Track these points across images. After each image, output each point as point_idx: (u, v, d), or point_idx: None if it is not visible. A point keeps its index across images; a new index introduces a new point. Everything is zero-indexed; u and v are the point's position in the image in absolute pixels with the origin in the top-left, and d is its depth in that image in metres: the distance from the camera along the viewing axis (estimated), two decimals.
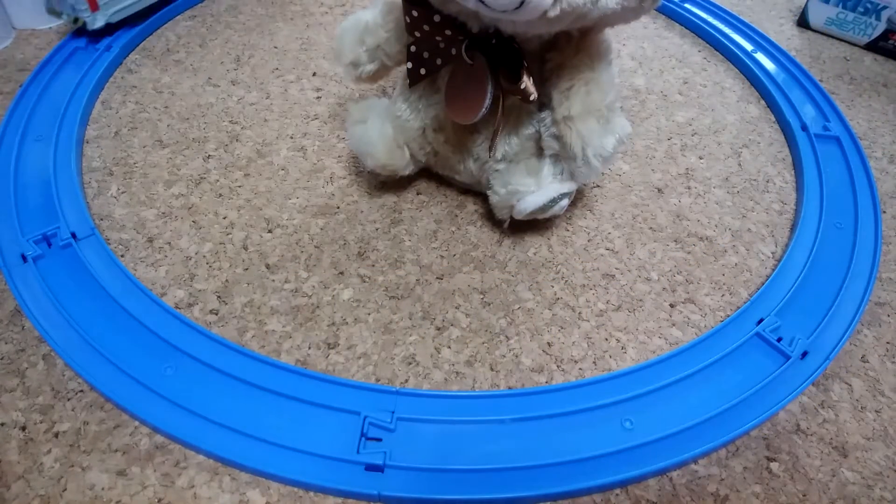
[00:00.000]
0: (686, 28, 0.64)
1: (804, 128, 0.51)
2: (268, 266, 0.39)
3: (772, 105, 0.55)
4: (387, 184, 0.44)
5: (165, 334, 0.34)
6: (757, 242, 0.43)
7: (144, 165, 0.45)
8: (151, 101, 0.50)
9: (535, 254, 0.41)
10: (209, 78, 0.53)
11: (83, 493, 0.29)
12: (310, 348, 0.35)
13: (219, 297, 0.37)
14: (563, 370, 0.35)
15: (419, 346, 0.36)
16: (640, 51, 0.61)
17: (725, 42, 0.61)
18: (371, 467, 0.30)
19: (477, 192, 0.44)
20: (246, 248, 0.40)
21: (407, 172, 0.42)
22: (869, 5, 0.61)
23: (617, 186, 0.46)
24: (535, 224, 0.42)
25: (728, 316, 0.38)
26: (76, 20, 0.52)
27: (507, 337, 0.36)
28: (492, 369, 0.35)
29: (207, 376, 0.32)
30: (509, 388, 0.34)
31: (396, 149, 0.40)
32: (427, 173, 0.45)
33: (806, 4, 0.65)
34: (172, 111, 0.50)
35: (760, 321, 0.37)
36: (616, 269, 0.41)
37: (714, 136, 0.52)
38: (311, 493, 0.30)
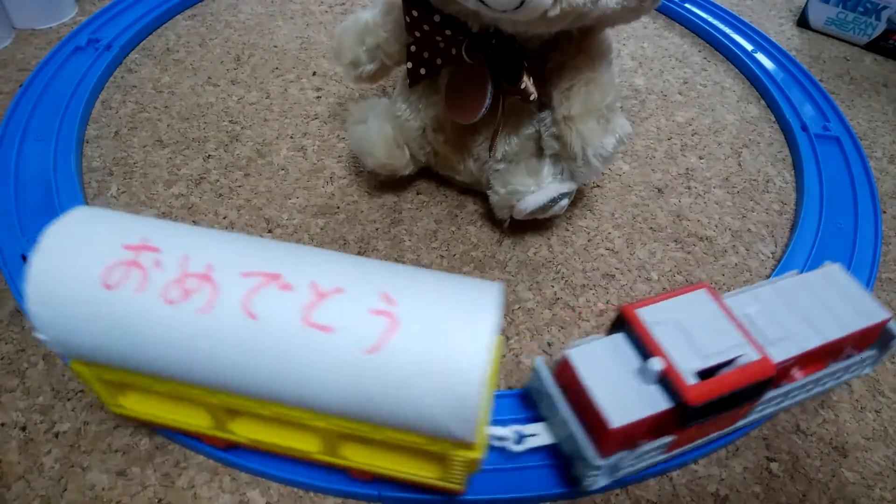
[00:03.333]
0: (686, 28, 0.64)
1: (804, 128, 0.51)
2: None
3: (772, 105, 0.55)
4: (387, 184, 0.44)
5: None
6: (757, 242, 0.43)
7: (144, 165, 0.45)
8: (151, 100, 0.50)
9: (535, 254, 0.41)
10: (209, 77, 0.53)
11: (83, 493, 0.29)
12: None
13: None
14: None
15: None
16: (640, 51, 0.61)
17: (725, 42, 0.61)
18: None
19: (477, 192, 0.44)
20: None
21: (407, 172, 0.42)
22: (869, 5, 0.61)
23: (617, 186, 0.46)
24: (535, 224, 0.42)
25: None
26: None
27: (507, 337, 0.36)
28: None
29: None
30: (509, 388, 0.34)
31: (396, 149, 0.40)
32: (427, 173, 0.45)
33: (806, 4, 0.65)
34: (172, 111, 0.50)
35: None
36: (616, 269, 0.41)
37: (714, 136, 0.52)
38: (311, 493, 0.30)
